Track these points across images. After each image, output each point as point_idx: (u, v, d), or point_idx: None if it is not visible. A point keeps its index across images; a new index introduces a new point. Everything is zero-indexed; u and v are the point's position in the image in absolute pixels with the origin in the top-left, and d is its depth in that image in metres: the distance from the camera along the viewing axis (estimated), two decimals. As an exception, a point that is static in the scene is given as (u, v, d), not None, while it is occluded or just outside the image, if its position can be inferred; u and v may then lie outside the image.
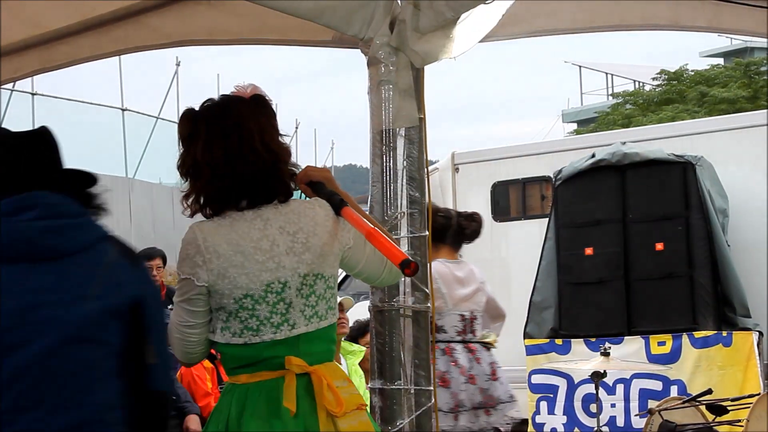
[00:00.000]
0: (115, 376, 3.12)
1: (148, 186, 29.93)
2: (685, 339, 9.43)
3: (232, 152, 3.75)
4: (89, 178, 3.51)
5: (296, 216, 3.80)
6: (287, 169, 3.84)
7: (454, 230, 7.14)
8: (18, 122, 26.46)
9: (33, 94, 26.70)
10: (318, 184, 3.90)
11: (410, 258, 3.57)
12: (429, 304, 4.53)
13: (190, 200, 3.83)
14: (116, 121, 29.30)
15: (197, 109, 3.87)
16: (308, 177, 3.93)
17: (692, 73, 30.91)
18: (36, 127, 3.43)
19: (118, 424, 3.14)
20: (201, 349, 3.87)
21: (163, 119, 30.51)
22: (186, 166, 3.83)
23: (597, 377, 7.69)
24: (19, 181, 3.29)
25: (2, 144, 3.35)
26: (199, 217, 3.86)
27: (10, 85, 23.29)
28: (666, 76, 31.53)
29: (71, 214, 3.27)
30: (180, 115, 3.90)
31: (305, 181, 3.92)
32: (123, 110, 29.44)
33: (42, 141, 3.44)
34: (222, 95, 3.88)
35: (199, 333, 3.82)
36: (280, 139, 3.85)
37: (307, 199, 3.92)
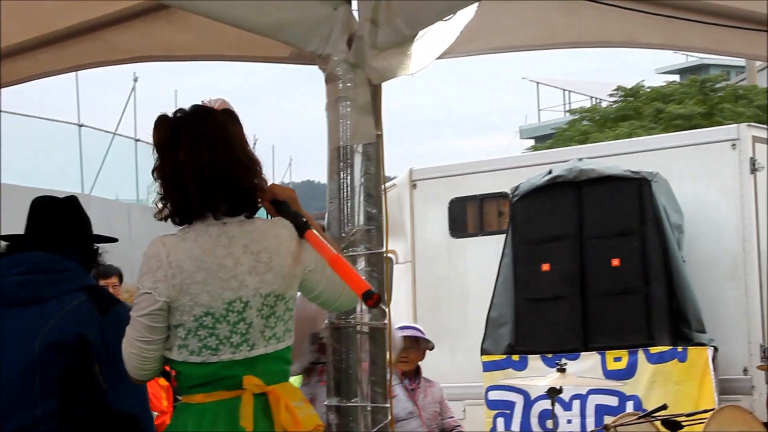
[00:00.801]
0: (52, 397, 3.86)
1: (105, 202, 29.76)
2: (640, 354, 9.48)
3: (217, 157, 3.76)
4: (93, 244, 4.52)
5: (261, 235, 3.80)
6: (260, 182, 3.86)
7: None
8: (-27, 137, 26.23)
9: (-11, 110, 26.49)
10: (282, 204, 3.90)
11: (373, 290, 3.60)
12: (386, 321, 4.52)
13: (165, 204, 3.82)
14: (73, 136, 29.13)
15: (173, 115, 3.86)
16: (273, 195, 3.92)
17: (648, 90, 31.12)
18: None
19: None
20: (156, 366, 3.82)
21: (120, 135, 30.37)
22: (165, 171, 3.81)
23: (553, 393, 7.73)
24: (27, 242, 4.38)
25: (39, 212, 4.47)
26: (162, 229, 3.85)
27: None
28: (622, 93, 31.72)
29: (52, 270, 4.26)
30: (154, 122, 3.89)
31: (269, 199, 3.91)
32: (80, 126, 29.27)
33: (72, 210, 4.53)
34: (194, 105, 3.89)
35: (156, 349, 3.77)
36: (253, 152, 3.87)
37: (271, 218, 3.91)
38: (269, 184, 3.93)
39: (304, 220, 3.85)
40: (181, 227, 3.82)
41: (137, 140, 30.79)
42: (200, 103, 3.91)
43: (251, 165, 3.83)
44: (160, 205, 3.85)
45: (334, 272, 3.77)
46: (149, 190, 3.90)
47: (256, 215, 3.88)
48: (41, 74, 6.08)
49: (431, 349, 8.26)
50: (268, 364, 3.78)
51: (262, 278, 3.75)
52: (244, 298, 3.72)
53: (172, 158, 3.80)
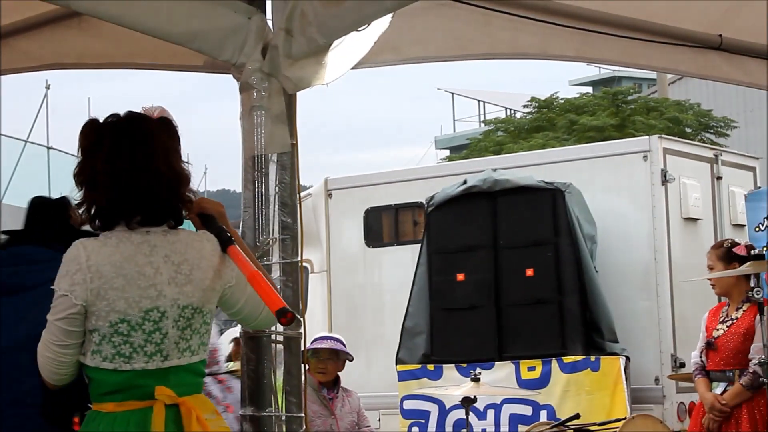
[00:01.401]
0: (35, 376, 3.92)
1: (17, 210, 29.38)
2: (554, 364, 9.54)
3: (136, 166, 3.72)
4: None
5: (183, 246, 3.77)
6: (185, 195, 3.82)
7: None
8: None
9: None
10: (209, 218, 3.88)
11: (288, 308, 3.59)
12: (301, 331, 4.52)
13: (82, 210, 3.79)
14: (-17, 144, 28.74)
15: (102, 121, 3.82)
16: (201, 209, 3.90)
17: (562, 102, 31.37)
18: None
19: (36, 405, 4.61)
20: (71, 371, 3.77)
21: (32, 143, 30.02)
22: (84, 175, 3.78)
23: (467, 403, 7.76)
24: (23, 236, 5.03)
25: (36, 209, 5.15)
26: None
27: None
28: (536, 104, 31.95)
29: (37, 261, 4.75)
30: (82, 126, 3.84)
31: (197, 212, 3.89)
32: (-9, 133, 28.88)
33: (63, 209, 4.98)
34: (129, 111, 3.85)
35: (72, 354, 3.73)
36: (182, 164, 3.83)
37: (196, 231, 3.89)
38: (198, 197, 3.91)
39: (229, 235, 3.83)
40: (103, 232, 3.77)
41: (50, 148, 30.47)
42: (138, 110, 3.86)
43: (172, 178, 3.78)
44: (78, 211, 3.82)
45: (254, 291, 3.77)
46: (71, 195, 3.87)
47: (183, 227, 3.85)
48: (-50, 81, 6.00)
49: (351, 360, 8.25)
50: (180, 376, 3.75)
51: (181, 290, 3.73)
52: (161, 308, 3.70)
53: (92, 163, 3.77)
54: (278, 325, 4.35)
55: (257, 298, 3.80)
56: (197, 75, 5.49)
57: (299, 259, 4.52)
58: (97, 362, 3.71)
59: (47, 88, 30.30)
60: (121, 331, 3.68)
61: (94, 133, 3.81)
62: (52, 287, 3.90)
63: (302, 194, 4.61)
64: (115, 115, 3.84)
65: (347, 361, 8.23)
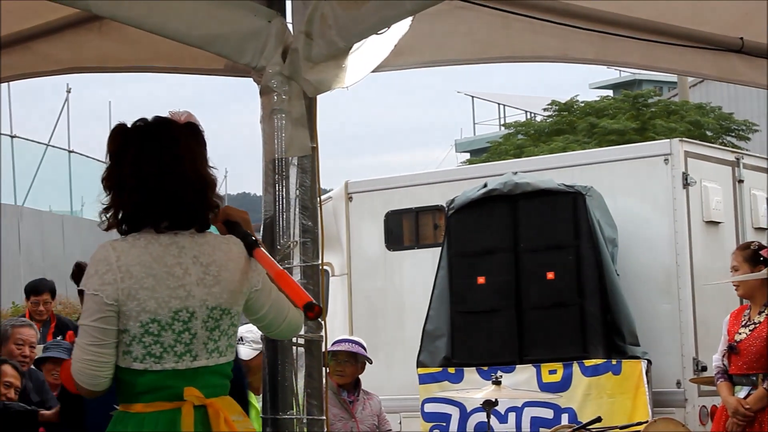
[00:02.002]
0: None
1: (38, 214, 29.52)
2: (575, 367, 9.52)
3: (162, 171, 3.75)
4: None
5: (211, 248, 3.81)
6: (212, 200, 3.86)
7: None
8: None
9: None
10: (234, 224, 3.93)
11: (315, 302, 3.65)
12: (322, 334, 4.52)
13: (110, 214, 3.81)
14: (5, 148, 28.86)
15: (130, 125, 3.85)
16: (226, 216, 3.95)
17: (582, 105, 31.31)
18: None
19: None
20: (110, 374, 3.76)
21: (53, 146, 30.15)
22: (112, 179, 3.81)
23: (489, 406, 7.74)
24: None
25: None
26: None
27: None
28: (557, 107, 31.88)
29: None
30: (110, 130, 3.88)
31: (222, 219, 3.94)
32: (12, 137, 29.01)
33: None
34: (156, 116, 3.88)
35: (111, 353, 3.73)
36: (209, 169, 3.87)
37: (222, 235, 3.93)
38: (224, 205, 3.95)
39: (255, 238, 3.88)
40: (131, 234, 3.80)
41: (71, 151, 30.59)
42: (165, 115, 3.90)
43: (199, 182, 3.82)
44: (104, 216, 3.84)
45: (280, 296, 3.86)
46: (98, 199, 3.88)
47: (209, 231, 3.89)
48: (-27, 85, 6.02)
49: (370, 363, 8.24)
50: (208, 377, 3.79)
51: (210, 291, 3.77)
52: (190, 308, 3.73)
53: (120, 168, 3.80)
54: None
55: (281, 305, 3.89)
56: (217, 78, 5.49)
57: (320, 262, 4.52)
58: (127, 363, 3.73)
59: (68, 91, 30.44)
60: (151, 331, 3.70)
61: (121, 138, 3.85)
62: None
63: (323, 197, 4.60)
64: (142, 120, 3.88)
65: (367, 364, 8.23)
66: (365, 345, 8.24)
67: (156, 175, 3.75)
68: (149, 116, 3.90)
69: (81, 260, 7.01)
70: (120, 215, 3.81)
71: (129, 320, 3.70)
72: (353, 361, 8.10)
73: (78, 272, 7.05)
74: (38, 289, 10.37)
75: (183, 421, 3.69)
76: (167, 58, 5.40)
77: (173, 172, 3.76)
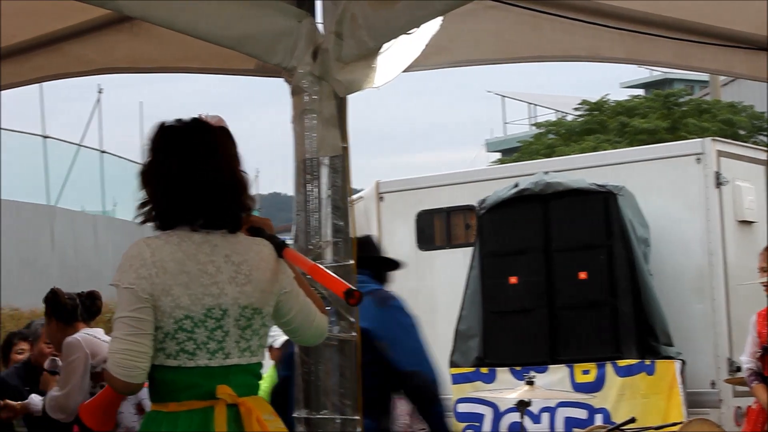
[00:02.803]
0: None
1: (71, 214, 29.64)
2: (609, 367, 9.49)
3: (199, 169, 3.80)
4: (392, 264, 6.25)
5: (243, 248, 3.85)
6: (246, 201, 3.90)
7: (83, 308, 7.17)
8: (-62, 150, 26.11)
9: (-46, 122, 26.37)
10: (258, 230, 3.97)
11: (354, 288, 3.68)
12: (354, 333, 4.52)
13: (146, 209, 3.85)
14: (38, 148, 29.01)
15: (170, 124, 3.91)
16: (249, 223, 3.98)
17: (613, 104, 31.25)
18: None
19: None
20: (147, 365, 3.73)
21: (85, 146, 30.26)
22: (149, 175, 3.86)
23: (522, 406, 7.71)
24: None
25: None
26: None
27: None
28: (587, 107, 31.83)
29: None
30: (153, 127, 3.91)
31: (246, 226, 3.96)
32: (44, 137, 29.15)
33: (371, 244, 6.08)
34: (194, 118, 3.94)
35: (149, 344, 3.71)
36: (242, 171, 3.92)
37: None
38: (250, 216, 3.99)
39: (282, 240, 3.93)
40: (164, 231, 3.83)
41: (103, 152, 30.71)
42: (198, 117, 3.95)
43: (234, 184, 3.87)
44: (140, 210, 3.88)
45: (307, 301, 3.92)
46: (134, 195, 3.92)
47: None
48: (5, 86, 6.05)
49: None
50: (240, 376, 3.80)
51: (242, 289, 3.79)
52: (223, 306, 3.76)
53: (158, 165, 3.85)
54: (332, 327, 4.36)
55: (308, 309, 3.94)
56: (248, 78, 5.50)
57: (352, 262, 4.52)
58: (161, 360, 3.74)
59: (100, 92, 30.54)
60: (185, 327, 3.72)
61: (162, 136, 3.90)
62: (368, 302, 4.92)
63: (354, 197, 4.60)
64: (181, 120, 3.93)
65: None
66: None
67: (194, 173, 3.80)
68: (183, 117, 3.95)
69: (57, 288, 7.19)
70: (156, 211, 3.84)
71: (163, 316, 3.71)
72: None
73: (53, 297, 7.20)
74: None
75: (216, 419, 3.70)
76: (198, 59, 5.41)
77: (210, 172, 3.81)
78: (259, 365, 3.90)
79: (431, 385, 5.67)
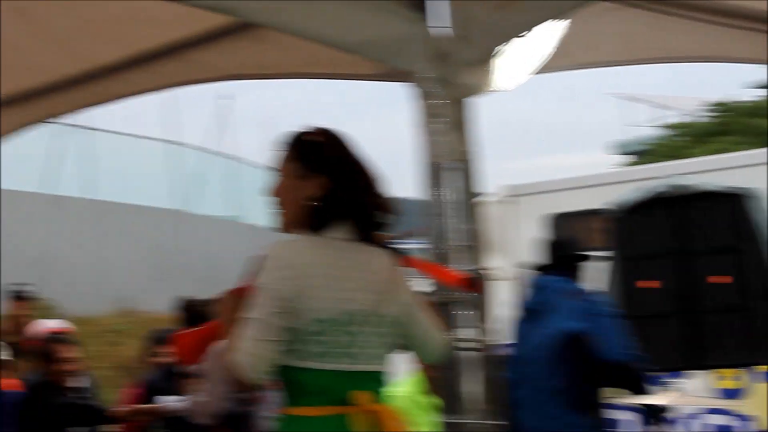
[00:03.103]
0: (560, 367, 6.55)
1: (198, 219, 30.09)
2: (751, 373, 9.33)
3: (351, 185, 3.86)
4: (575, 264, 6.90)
5: (373, 257, 3.88)
6: (387, 216, 3.93)
7: None
8: (69, 156, 26.72)
9: (83, 128, 26.96)
10: (383, 242, 4.00)
11: (474, 275, 3.88)
12: (490, 338, 4.50)
13: (286, 216, 3.91)
14: (167, 153, 29.50)
15: (323, 130, 3.95)
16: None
17: (739, 105, 30.75)
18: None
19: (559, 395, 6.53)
20: (270, 368, 3.77)
21: (212, 152, 30.69)
22: (293, 184, 3.89)
23: (659, 412, 7.64)
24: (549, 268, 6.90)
25: None
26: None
27: (60, 120, 23.55)
28: (714, 108, 31.37)
29: (554, 288, 6.71)
30: (289, 138, 3.95)
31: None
32: (173, 143, 29.65)
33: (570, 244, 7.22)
34: (334, 129, 3.99)
35: (274, 350, 3.74)
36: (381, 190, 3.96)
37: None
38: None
39: (399, 249, 3.97)
40: (305, 236, 3.88)
41: (229, 157, 31.12)
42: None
43: (378, 198, 3.90)
44: (278, 217, 3.93)
45: (427, 316, 3.96)
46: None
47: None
48: (132, 93, 6.15)
49: None
50: (369, 383, 3.82)
51: (372, 296, 3.82)
52: (356, 311, 3.78)
53: (304, 174, 3.88)
54: (470, 333, 4.35)
55: (428, 324, 3.96)
56: (371, 83, 5.51)
57: (483, 266, 4.50)
58: (292, 361, 3.76)
59: (226, 98, 30.96)
60: (320, 330, 3.74)
61: (306, 146, 3.92)
62: (566, 304, 6.07)
63: (482, 201, 4.58)
64: (320, 130, 3.96)
65: None
66: None
67: (342, 186, 3.84)
68: (319, 125, 3.99)
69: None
70: (298, 218, 3.88)
71: (299, 318, 3.73)
72: None
73: (186, 304, 7.42)
74: None
75: (354, 424, 3.72)
76: (323, 64, 5.44)
77: (357, 184, 3.86)
78: (385, 374, 3.91)
79: (639, 373, 6.45)
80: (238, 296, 3.96)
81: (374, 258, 3.88)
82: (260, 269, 3.78)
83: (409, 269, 3.95)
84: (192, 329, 4.39)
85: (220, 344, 6.98)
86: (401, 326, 3.95)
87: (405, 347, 4.07)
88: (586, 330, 6.21)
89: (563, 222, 11.26)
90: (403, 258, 3.92)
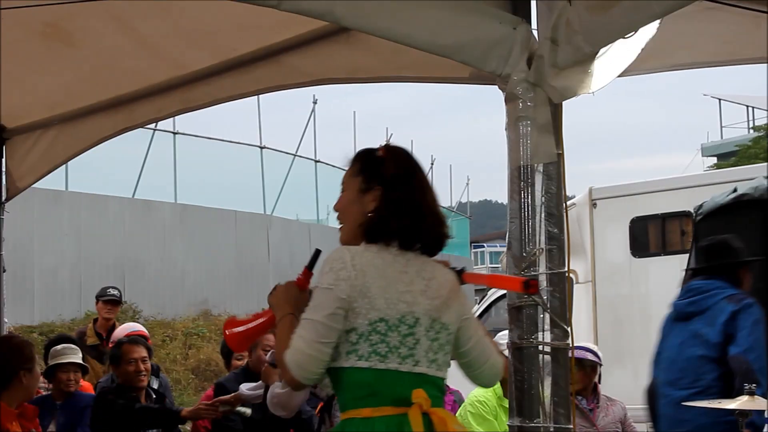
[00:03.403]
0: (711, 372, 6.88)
1: (286, 222, 30.26)
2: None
3: (409, 198, 4.02)
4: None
5: (432, 267, 4.03)
6: (444, 231, 4.10)
7: None
8: (160, 160, 27.06)
9: (174, 133, 27.27)
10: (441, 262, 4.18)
11: (531, 278, 3.96)
12: (568, 341, 4.48)
13: (347, 227, 4.10)
14: (255, 158, 29.73)
15: (387, 147, 4.15)
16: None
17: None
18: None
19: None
20: (323, 371, 3.88)
21: (300, 156, 30.86)
22: (356, 194, 4.08)
23: (742, 417, 7.53)
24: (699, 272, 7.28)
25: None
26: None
27: (153, 125, 23.84)
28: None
29: (706, 290, 7.01)
30: (364, 150, 4.19)
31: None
32: (261, 148, 29.87)
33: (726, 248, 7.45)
34: (397, 145, 4.20)
35: (330, 353, 3.84)
36: (439, 206, 4.14)
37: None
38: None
39: (461, 267, 4.17)
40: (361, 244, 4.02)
41: (317, 161, 31.27)
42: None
43: (431, 215, 4.07)
44: (341, 230, 4.15)
45: (486, 337, 4.16)
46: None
47: None
48: (225, 98, 6.22)
49: (600, 365, 8.15)
50: (428, 387, 3.90)
51: (432, 302, 3.95)
52: (416, 314, 3.89)
53: (366, 188, 4.06)
54: (546, 335, 4.34)
55: (485, 344, 4.16)
56: (460, 86, 5.51)
57: (566, 269, 4.48)
58: (352, 362, 3.85)
59: (314, 102, 31.14)
60: (379, 330, 3.84)
61: (373, 161, 4.11)
62: (719, 308, 6.69)
63: (567, 204, 4.57)
64: (392, 148, 4.16)
65: (608, 370, 8.13)
66: (596, 351, 8.15)
67: (402, 199, 4.01)
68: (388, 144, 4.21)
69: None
70: (359, 229, 4.03)
71: (358, 317, 3.83)
72: (579, 366, 8.01)
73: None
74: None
75: (412, 422, 3.77)
76: (413, 68, 5.45)
77: (412, 202, 4.02)
78: (443, 380, 4.02)
79: (751, 369, 6.67)
80: (296, 288, 4.09)
81: (435, 268, 4.04)
82: (320, 271, 3.93)
83: (470, 283, 4.18)
84: (244, 319, 4.49)
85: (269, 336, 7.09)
86: (460, 342, 4.10)
87: (463, 366, 4.21)
88: (731, 331, 6.68)
89: (644, 225, 11.18)
90: (465, 274, 4.10)
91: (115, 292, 11.64)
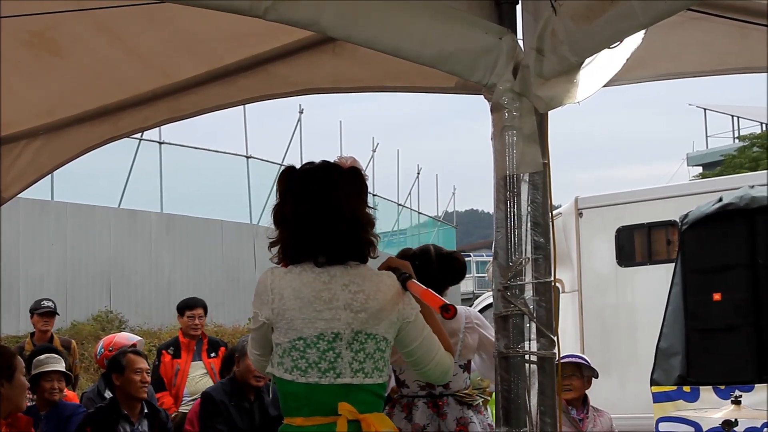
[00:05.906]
0: None
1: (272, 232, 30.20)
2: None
3: (317, 213, 4.18)
4: None
5: (361, 279, 4.20)
6: (367, 237, 4.27)
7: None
8: (146, 170, 27.02)
9: (160, 143, 27.25)
10: (395, 269, 4.34)
11: (449, 303, 3.98)
12: (555, 351, 4.48)
13: (276, 249, 4.31)
14: (241, 168, 29.72)
15: (297, 168, 4.33)
16: (388, 265, 4.38)
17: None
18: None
19: None
20: (267, 371, 4.33)
21: (286, 166, 30.80)
22: (277, 217, 4.31)
23: (728, 426, 7.55)
24: None
25: None
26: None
27: (138, 135, 23.82)
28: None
29: None
30: (280, 172, 4.41)
31: (385, 268, 4.36)
32: (247, 157, 29.86)
33: None
34: (322, 161, 4.34)
35: (265, 360, 4.32)
36: (366, 210, 4.30)
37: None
38: (389, 257, 4.44)
39: (408, 274, 4.28)
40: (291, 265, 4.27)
41: (304, 171, 31.20)
42: (333, 161, 4.34)
43: (353, 221, 4.21)
44: (273, 250, 4.33)
45: (433, 336, 4.29)
46: (266, 234, 4.43)
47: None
48: (211, 108, 6.22)
49: (596, 377, 8.16)
50: (359, 395, 4.12)
51: (356, 315, 4.14)
52: (335, 329, 4.12)
53: (284, 206, 4.28)
54: (532, 344, 4.35)
55: (431, 344, 4.30)
56: (447, 96, 5.52)
57: (552, 279, 4.49)
58: (280, 373, 4.20)
59: (301, 112, 31.18)
60: (297, 347, 4.13)
61: (286, 180, 4.32)
62: None
63: (553, 213, 4.58)
64: (309, 163, 4.33)
65: (594, 381, 8.15)
66: (589, 361, 8.18)
67: (313, 212, 4.18)
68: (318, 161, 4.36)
69: None
70: (283, 250, 4.27)
71: (280, 335, 4.17)
72: (579, 374, 8.04)
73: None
74: (192, 305, 10.98)
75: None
76: (399, 77, 5.47)
77: (329, 211, 4.17)
78: (379, 386, 4.20)
79: None
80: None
81: (366, 280, 4.19)
82: (254, 294, 4.25)
83: (410, 292, 4.23)
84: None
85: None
86: (403, 344, 4.30)
87: (411, 364, 4.40)
88: None
89: (630, 234, 11.21)
90: (409, 283, 4.20)
91: (50, 304, 11.66)
